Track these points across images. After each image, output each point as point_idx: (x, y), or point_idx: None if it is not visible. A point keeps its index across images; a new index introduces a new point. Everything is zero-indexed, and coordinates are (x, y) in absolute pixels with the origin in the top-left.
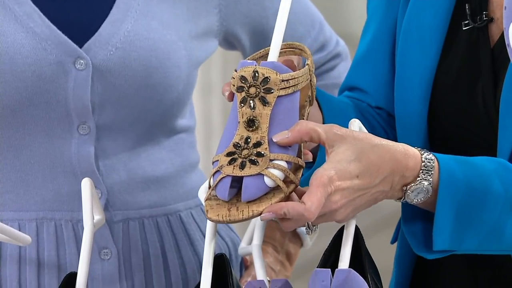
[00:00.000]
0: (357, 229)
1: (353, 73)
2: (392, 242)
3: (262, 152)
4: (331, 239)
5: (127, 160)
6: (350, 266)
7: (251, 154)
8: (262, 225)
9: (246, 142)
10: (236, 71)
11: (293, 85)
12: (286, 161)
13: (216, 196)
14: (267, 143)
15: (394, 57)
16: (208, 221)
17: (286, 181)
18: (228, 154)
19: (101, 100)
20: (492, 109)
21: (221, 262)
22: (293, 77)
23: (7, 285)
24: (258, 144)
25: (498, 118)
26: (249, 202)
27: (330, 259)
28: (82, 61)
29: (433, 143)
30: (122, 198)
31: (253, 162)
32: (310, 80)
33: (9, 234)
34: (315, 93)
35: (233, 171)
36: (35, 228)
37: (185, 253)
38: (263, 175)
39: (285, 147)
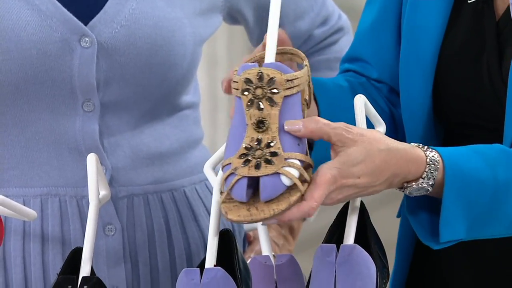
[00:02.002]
0: (362, 205)
1: (357, 44)
2: (398, 215)
3: (276, 151)
4: (333, 213)
5: (131, 137)
6: (355, 242)
7: (265, 154)
8: None
9: (258, 143)
10: (237, 75)
11: (297, 85)
12: (299, 160)
13: (231, 199)
14: (279, 142)
15: (400, 31)
16: (213, 197)
17: (301, 180)
18: (241, 156)
19: (106, 78)
20: (497, 82)
21: (226, 238)
22: (296, 77)
23: (11, 260)
24: (270, 145)
25: (503, 90)
26: (267, 201)
27: (335, 234)
28: (87, 39)
29: (438, 116)
30: (126, 174)
31: (269, 162)
32: (309, 82)
33: (15, 209)
34: (312, 95)
35: (249, 171)
36: (39, 204)
37: (189, 228)
38: (280, 174)
39: (296, 145)
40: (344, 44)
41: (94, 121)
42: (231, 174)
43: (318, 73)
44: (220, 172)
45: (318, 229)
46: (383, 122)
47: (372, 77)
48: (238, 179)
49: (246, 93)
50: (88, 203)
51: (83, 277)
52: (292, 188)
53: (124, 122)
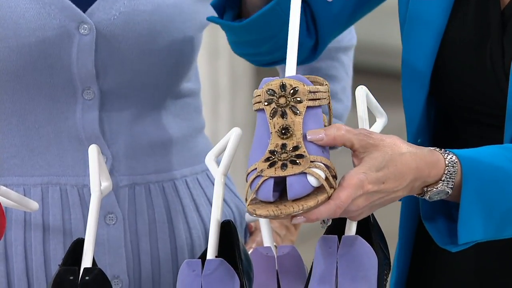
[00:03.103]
0: None
1: None
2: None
3: (302, 154)
4: None
5: (132, 125)
6: (357, 233)
7: (291, 156)
8: None
9: (283, 147)
10: (258, 89)
11: (319, 99)
12: (324, 164)
13: (257, 202)
14: (304, 147)
15: None
16: (215, 188)
17: (327, 183)
18: (266, 160)
19: (105, 65)
20: (499, 69)
21: (228, 229)
22: (318, 90)
23: (12, 249)
24: (296, 148)
25: (504, 80)
26: (294, 200)
27: (337, 225)
28: (86, 26)
29: (438, 98)
30: (127, 163)
31: (295, 163)
32: (329, 103)
33: (17, 200)
34: (331, 121)
35: (275, 172)
36: (40, 193)
37: (191, 218)
38: (306, 174)
39: (320, 152)
40: (345, 32)
41: (94, 109)
42: (257, 177)
43: (319, 63)
44: (223, 164)
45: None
46: (384, 113)
47: None
48: (265, 180)
49: (269, 103)
50: (89, 192)
51: (84, 268)
52: (318, 190)
53: (125, 111)
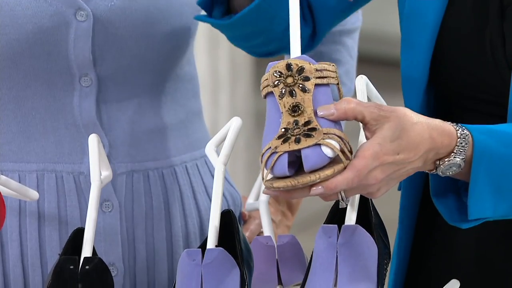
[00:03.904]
0: None
1: None
2: (399, 188)
3: (315, 127)
4: None
5: (130, 112)
6: (356, 223)
7: (304, 131)
8: None
9: (295, 124)
10: (265, 73)
11: (326, 77)
12: (338, 136)
13: (273, 179)
14: (316, 121)
15: None
16: (215, 177)
17: (342, 153)
18: (280, 137)
19: (102, 52)
20: (500, 57)
21: (228, 219)
22: (325, 68)
23: (7, 236)
24: (308, 123)
25: (506, 65)
26: (311, 172)
27: (336, 215)
28: (83, 12)
29: (438, 86)
30: (125, 150)
31: (308, 136)
32: (338, 84)
33: (17, 190)
34: None
35: (289, 146)
36: (35, 179)
37: (188, 206)
38: (321, 145)
39: (333, 124)
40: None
41: (91, 96)
42: (272, 154)
43: (322, 47)
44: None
45: (319, 209)
46: (384, 102)
47: None
48: (279, 156)
49: (277, 84)
50: (85, 180)
51: (84, 258)
52: (334, 162)
53: (122, 97)
